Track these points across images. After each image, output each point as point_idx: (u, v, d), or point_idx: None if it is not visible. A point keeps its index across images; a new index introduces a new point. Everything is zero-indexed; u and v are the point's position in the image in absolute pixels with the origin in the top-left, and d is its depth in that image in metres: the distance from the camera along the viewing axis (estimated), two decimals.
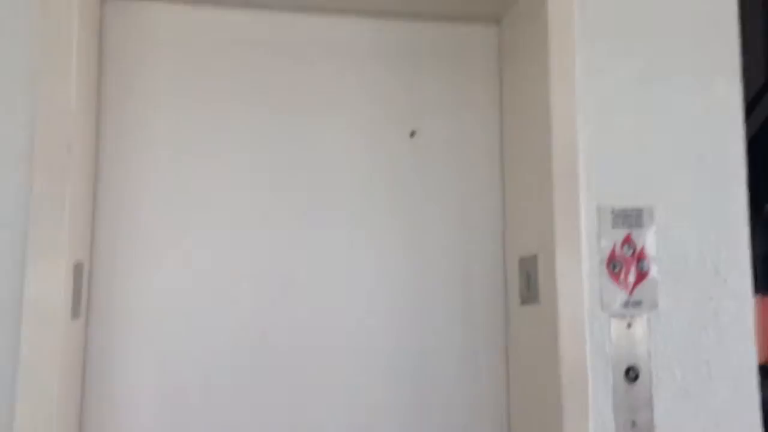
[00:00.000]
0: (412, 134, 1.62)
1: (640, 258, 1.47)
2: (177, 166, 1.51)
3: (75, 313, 1.32)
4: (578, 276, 1.42)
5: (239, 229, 1.53)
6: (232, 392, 1.49)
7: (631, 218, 1.48)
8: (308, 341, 1.53)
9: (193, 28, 1.55)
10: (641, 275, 1.47)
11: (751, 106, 3.40)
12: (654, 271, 1.47)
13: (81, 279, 1.36)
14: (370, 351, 1.56)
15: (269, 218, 1.54)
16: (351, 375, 1.54)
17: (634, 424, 1.42)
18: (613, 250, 1.46)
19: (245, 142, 1.55)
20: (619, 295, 1.45)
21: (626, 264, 1.47)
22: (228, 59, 1.56)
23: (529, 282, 1.51)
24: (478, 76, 1.68)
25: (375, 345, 1.56)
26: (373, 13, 1.62)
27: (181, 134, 1.52)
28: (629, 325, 1.45)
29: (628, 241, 1.47)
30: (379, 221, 1.59)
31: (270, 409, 1.50)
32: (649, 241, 1.48)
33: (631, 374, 1.43)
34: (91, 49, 1.42)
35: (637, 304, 1.46)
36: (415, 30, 1.66)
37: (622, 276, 1.46)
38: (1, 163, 1.24)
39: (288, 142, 1.57)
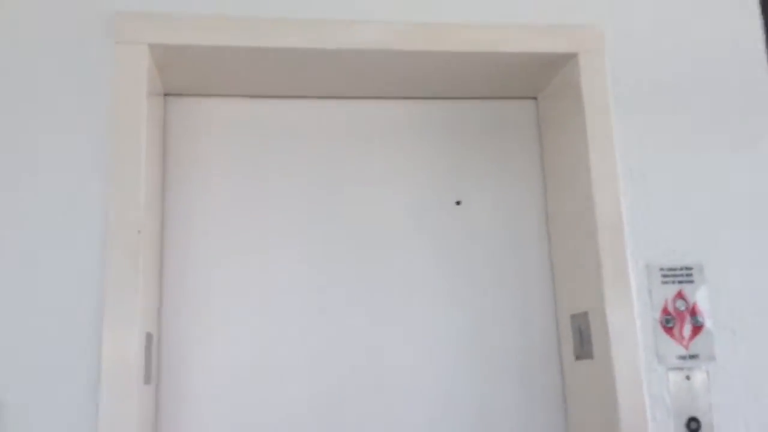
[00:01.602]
0: (458, 203, 1.75)
1: (693, 313, 1.53)
2: (235, 244, 1.65)
3: (147, 379, 1.44)
4: (632, 331, 1.48)
5: (300, 300, 1.64)
6: None
7: (681, 275, 1.55)
8: (372, 406, 1.61)
9: (247, 118, 1.71)
10: (696, 329, 1.53)
11: None
12: (709, 324, 1.53)
13: (151, 347, 1.50)
14: (431, 409, 1.63)
15: (327, 288, 1.66)
16: (410, 426, 1.61)
17: None
18: (665, 306, 1.53)
19: (301, 218, 1.68)
20: (675, 349, 1.51)
21: (680, 318, 1.53)
22: (282, 144, 1.71)
23: (582, 338, 1.58)
24: (518, 148, 1.79)
25: (436, 404, 1.63)
26: (418, 96, 1.78)
27: (239, 214, 1.66)
28: (688, 378, 1.50)
29: (680, 296, 1.54)
30: (433, 286, 1.69)
31: None
32: (702, 295, 1.54)
33: (693, 425, 1.47)
34: (157, 141, 1.58)
35: (695, 357, 1.51)
36: (457, 108, 1.79)
37: (677, 330, 1.52)
38: (81, 244, 1.39)
39: (343, 216, 1.70)
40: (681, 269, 1.55)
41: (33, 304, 1.36)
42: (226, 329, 1.61)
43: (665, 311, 1.52)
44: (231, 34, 1.48)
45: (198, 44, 1.47)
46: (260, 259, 1.65)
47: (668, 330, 1.52)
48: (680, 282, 1.54)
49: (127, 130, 1.43)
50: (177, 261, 1.63)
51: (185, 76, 1.61)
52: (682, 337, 1.52)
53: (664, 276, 1.54)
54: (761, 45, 1.68)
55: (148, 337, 1.47)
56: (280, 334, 1.63)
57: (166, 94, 1.70)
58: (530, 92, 1.79)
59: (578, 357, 1.60)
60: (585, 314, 1.57)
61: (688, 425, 1.47)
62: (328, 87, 1.70)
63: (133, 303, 1.36)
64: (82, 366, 1.35)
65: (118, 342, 1.34)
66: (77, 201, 1.41)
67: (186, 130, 1.70)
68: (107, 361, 1.33)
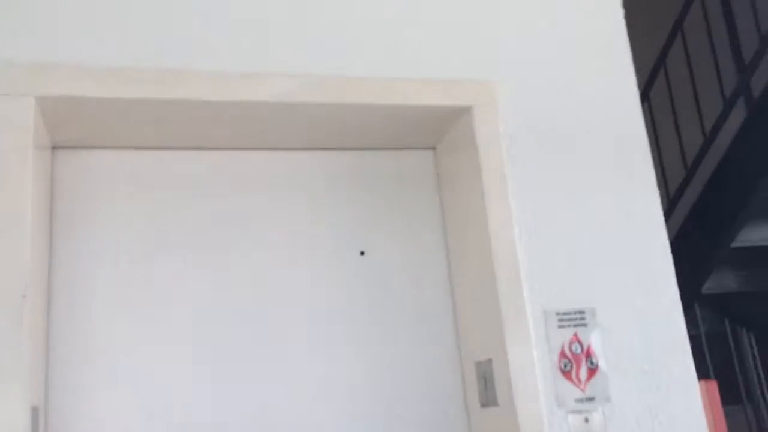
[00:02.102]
0: (362, 254, 1.75)
1: (588, 355, 1.59)
2: (125, 303, 1.56)
3: None
4: (532, 376, 1.52)
5: (199, 362, 1.57)
6: None
7: (575, 319, 1.61)
8: None
9: (141, 170, 1.65)
10: (591, 371, 1.58)
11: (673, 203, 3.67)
12: (603, 366, 1.59)
13: (38, 423, 1.39)
14: None
15: (223, 343, 1.59)
16: None
17: None
18: (563, 350, 1.58)
19: (194, 271, 1.62)
20: (573, 392, 1.56)
21: (576, 361, 1.58)
22: (179, 197, 1.66)
23: (487, 385, 1.61)
24: (420, 198, 1.81)
25: None
26: (321, 147, 1.78)
27: (131, 272, 1.58)
28: (587, 420, 1.55)
29: (576, 339, 1.59)
30: (337, 336, 1.66)
31: None
32: (595, 338, 1.60)
33: None
34: (44, 197, 1.50)
35: (591, 399, 1.56)
36: (360, 159, 1.80)
37: (574, 373, 1.57)
38: None
39: (241, 266, 1.65)
40: (575, 313, 1.61)
41: None
42: (118, 399, 1.52)
43: (563, 354, 1.57)
44: (124, 86, 1.44)
45: (90, 96, 1.41)
46: (154, 321, 1.58)
47: (566, 374, 1.56)
48: (575, 325, 1.60)
49: (12, 186, 1.35)
50: (64, 323, 1.53)
51: (75, 128, 1.54)
52: (579, 380, 1.57)
53: (561, 320, 1.59)
54: (636, 102, 1.80)
55: (34, 411, 1.36)
56: (178, 402, 1.54)
57: (53, 147, 1.62)
58: (429, 143, 1.83)
59: (483, 405, 1.62)
60: (489, 361, 1.59)
61: None
62: (226, 138, 1.67)
63: (18, 374, 1.26)
64: None
65: (2, 419, 1.24)
66: None
67: (76, 183, 1.61)
68: None
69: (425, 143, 1.83)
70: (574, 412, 1.54)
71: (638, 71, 1.87)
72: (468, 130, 1.66)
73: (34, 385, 1.37)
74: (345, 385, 1.65)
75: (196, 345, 1.59)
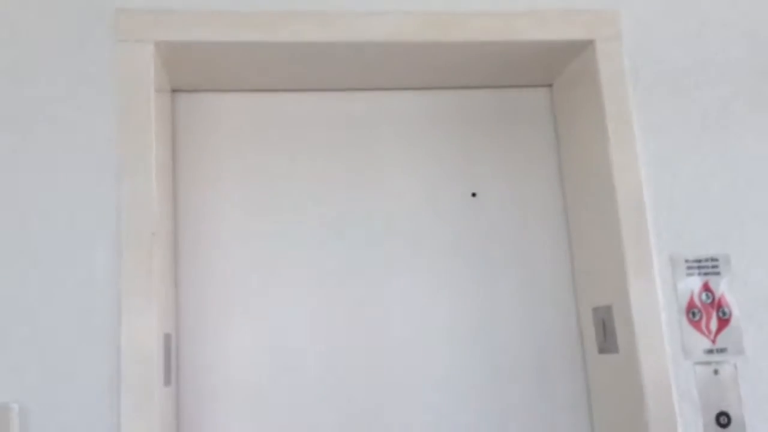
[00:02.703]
0: (473, 195, 1.71)
1: (719, 305, 1.49)
2: (249, 241, 1.62)
3: (167, 380, 1.43)
4: (657, 325, 1.44)
5: (313, 289, 1.62)
6: None
7: (706, 267, 1.51)
8: (387, 395, 1.59)
9: (258, 113, 1.68)
10: (723, 322, 1.48)
11: None
12: (736, 316, 1.48)
13: (170, 348, 1.49)
14: (446, 406, 1.60)
15: (343, 283, 1.63)
16: (428, 424, 1.59)
17: None
18: (691, 299, 1.49)
19: (314, 211, 1.65)
20: (702, 342, 1.47)
21: (706, 311, 1.48)
22: (294, 138, 1.68)
23: (606, 332, 1.54)
24: (534, 137, 1.75)
25: (450, 401, 1.60)
26: (432, 87, 1.74)
27: (252, 209, 1.63)
28: (716, 372, 1.46)
29: (706, 288, 1.50)
30: (449, 280, 1.66)
31: None
32: (728, 287, 1.50)
33: (723, 420, 1.42)
34: (166, 139, 1.55)
35: (722, 350, 1.47)
36: (471, 98, 1.75)
37: (704, 323, 1.48)
38: (95, 248, 1.36)
39: (357, 209, 1.67)
40: (707, 260, 1.51)
41: (49, 309, 1.33)
42: (242, 327, 1.59)
43: (691, 303, 1.48)
44: (239, 30, 1.45)
45: (206, 40, 1.44)
46: (274, 254, 1.63)
47: (694, 323, 1.47)
48: (706, 274, 1.50)
49: (136, 128, 1.39)
50: (191, 260, 1.61)
51: (193, 72, 1.58)
52: (709, 331, 1.48)
53: (689, 268, 1.50)
54: None
55: (167, 337, 1.45)
56: (298, 331, 1.60)
57: (173, 90, 1.67)
58: (545, 80, 1.75)
59: (602, 351, 1.56)
60: (608, 307, 1.52)
61: (717, 420, 1.43)
62: (340, 79, 1.67)
63: (150, 304, 1.33)
64: (101, 369, 1.32)
65: (137, 344, 1.32)
66: (89, 203, 1.38)
67: (195, 126, 1.67)
68: (126, 363, 1.31)
69: (541, 80, 1.75)
70: (702, 363, 1.46)
71: None
72: (590, 66, 1.57)
73: (165, 314, 1.45)
74: (453, 331, 1.64)
75: (314, 282, 1.63)
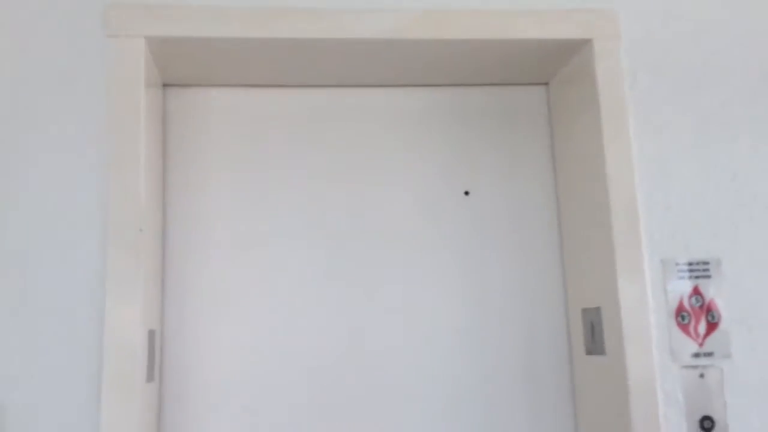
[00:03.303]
0: (467, 194, 1.71)
1: (709, 309, 1.49)
2: (237, 238, 1.62)
3: (150, 376, 1.44)
4: (646, 327, 1.45)
5: (302, 288, 1.62)
6: None
7: (697, 270, 1.50)
8: (373, 393, 1.60)
9: (250, 108, 1.67)
10: (712, 325, 1.49)
11: None
12: (725, 320, 1.49)
13: (154, 345, 1.49)
14: (434, 400, 1.61)
15: (332, 281, 1.63)
16: (415, 422, 1.60)
17: None
18: (681, 302, 1.49)
19: (305, 209, 1.65)
20: (690, 346, 1.47)
21: (695, 315, 1.49)
22: (286, 134, 1.67)
23: (594, 333, 1.55)
24: (529, 135, 1.74)
25: (438, 394, 1.62)
26: (427, 84, 1.73)
27: (242, 206, 1.63)
28: (702, 376, 1.46)
29: (696, 292, 1.50)
30: (440, 278, 1.66)
31: None
32: (718, 291, 1.50)
33: (707, 424, 1.43)
34: (156, 134, 1.54)
35: (709, 354, 1.47)
36: (467, 95, 1.74)
37: (692, 327, 1.48)
38: (81, 242, 1.37)
39: (348, 206, 1.67)
40: (698, 264, 1.51)
41: (33, 303, 1.35)
42: (228, 325, 1.60)
43: (681, 307, 1.48)
44: (231, 25, 1.44)
45: (197, 36, 1.43)
46: (263, 252, 1.63)
47: (683, 326, 1.48)
48: (697, 277, 1.50)
49: (125, 123, 1.39)
50: (178, 256, 1.61)
51: (184, 67, 1.57)
52: (697, 334, 1.48)
53: (680, 271, 1.50)
54: None
55: (151, 334, 1.46)
56: (284, 330, 1.61)
57: (164, 85, 1.66)
58: (541, 78, 1.73)
59: (589, 352, 1.57)
60: (597, 309, 1.53)
61: (701, 424, 1.43)
62: (333, 76, 1.65)
63: (135, 300, 1.34)
64: (83, 365, 1.33)
65: (121, 340, 1.32)
66: (77, 198, 1.38)
67: (186, 121, 1.66)
68: (109, 359, 1.32)
69: (537, 79, 1.73)
70: (688, 366, 1.46)
71: None
72: (587, 65, 1.55)
73: (150, 311, 1.45)
74: (442, 329, 1.65)
75: (303, 278, 1.63)
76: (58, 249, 1.37)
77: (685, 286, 1.50)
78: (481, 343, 1.65)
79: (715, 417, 1.44)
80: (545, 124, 1.76)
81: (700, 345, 1.48)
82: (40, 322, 1.34)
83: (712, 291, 1.50)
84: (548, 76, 1.72)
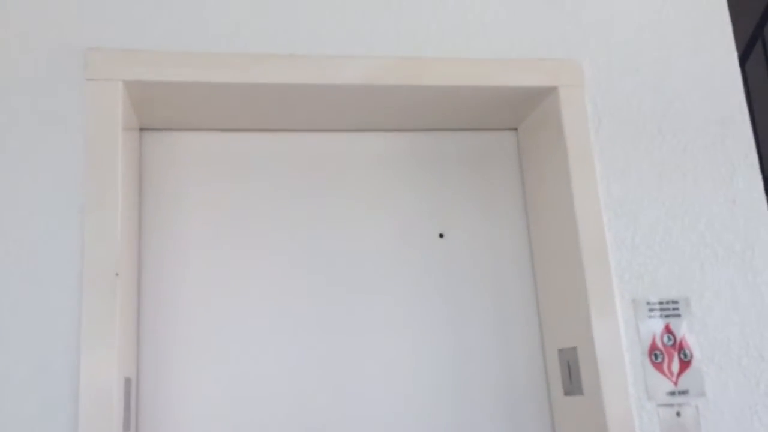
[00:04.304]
0: (441, 236, 1.72)
1: (680, 347, 1.51)
2: (214, 282, 1.60)
3: (126, 426, 1.39)
4: (621, 366, 1.46)
5: (280, 334, 1.59)
6: None
7: (667, 309, 1.53)
8: None
9: (226, 152, 1.67)
10: (684, 364, 1.51)
11: None
12: (697, 358, 1.51)
13: (130, 393, 1.45)
14: None
15: (309, 324, 1.61)
16: None
17: None
18: (653, 341, 1.51)
19: (281, 251, 1.64)
20: (665, 384, 1.48)
21: (668, 354, 1.51)
22: (262, 178, 1.67)
23: (571, 373, 1.55)
24: (500, 179, 1.77)
25: None
26: (400, 129, 1.76)
27: (218, 250, 1.61)
28: (678, 414, 1.47)
29: (668, 331, 1.52)
30: (415, 319, 1.65)
31: None
32: (689, 330, 1.52)
33: None
34: (133, 178, 1.53)
35: (684, 392, 1.49)
36: (439, 140, 1.78)
37: (666, 365, 1.50)
38: (56, 287, 1.34)
39: (324, 249, 1.66)
40: (668, 303, 1.54)
41: (7, 349, 1.30)
42: (206, 372, 1.56)
43: (654, 346, 1.50)
44: (209, 70, 1.46)
45: (175, 80, 1.44)
46: (240, 298, 1.61)
47: (656, 365, 1.49)
48: (667, 316, 1.53)
49: (102, 167, 1.38)
50: (154, 301, 1.58)
51: (162, 111, 1.57)
52: (671, 373, 1.50)
53: (651, 310, 1.52)
54: (738, 78, 1.70)
55: (127, 382, 1.41)
56: (262, 376, 1.57)
57: (141, 129, 1.66)
58: (511, 124, 1.78)
59: (567, 393, 1.57)
60: (573, 349, 1.54)
61: None
62: (308, 120, 1.68)
63: (111, 348, 1.30)
64: (58, 413, 1.29)
65: (96, 388, 1.29)
66: (53, 242, 1.36)
67: (163, 164, 1.65)
68: (85, 407, 1.28)
69: (507, 124, 1.78)
70: (665, 405, 1.47)
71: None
72: (553, 111, 1.61)
73: (126, 358, 1.42)
74: (421, 371, 1.63)
75: (280, 324, 1.61)
76: (32, 293, 1.33)
77: (656, 325, 1.52)
78: (460, 385, 1.64)
79: None
80: (516, 167, 1.80)
81: (675, 383, 1.49)
82: (13, 368, 1.30)
83: (683, 329, 1.52)
84: (517, 121, 1.77)
